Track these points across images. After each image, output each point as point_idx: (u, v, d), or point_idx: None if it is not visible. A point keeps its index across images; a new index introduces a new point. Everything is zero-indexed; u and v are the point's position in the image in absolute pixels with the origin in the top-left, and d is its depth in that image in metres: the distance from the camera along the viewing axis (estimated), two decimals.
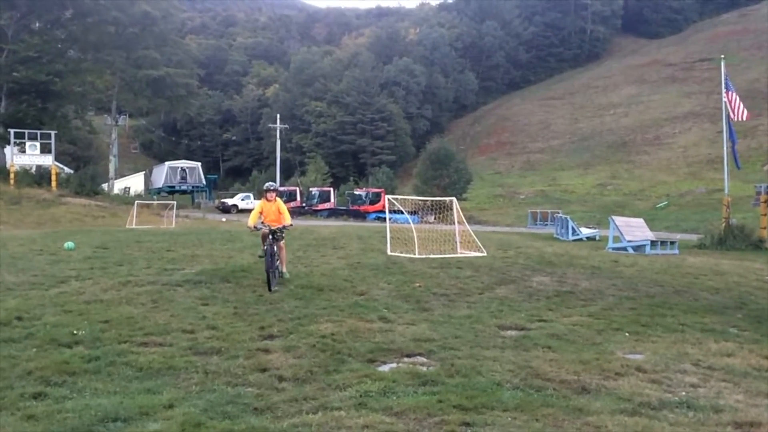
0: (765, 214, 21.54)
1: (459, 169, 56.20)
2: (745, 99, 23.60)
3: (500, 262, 13.89)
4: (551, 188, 62.81)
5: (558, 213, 35.07)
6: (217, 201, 58.46)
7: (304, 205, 52.36)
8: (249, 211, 53.50)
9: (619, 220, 21.56)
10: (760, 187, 22.20)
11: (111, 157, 56.66)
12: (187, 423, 4.39)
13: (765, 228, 21.42)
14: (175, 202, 35.11)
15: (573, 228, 26.87)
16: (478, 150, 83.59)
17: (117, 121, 58.53)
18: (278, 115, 70.00)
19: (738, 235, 21.04)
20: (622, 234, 20.46)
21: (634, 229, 21.17)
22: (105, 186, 49.66)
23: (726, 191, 23.38)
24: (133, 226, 27.84)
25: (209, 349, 6.52)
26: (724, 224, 21.95)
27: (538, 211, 44.13)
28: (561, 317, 8.75)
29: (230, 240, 18.02)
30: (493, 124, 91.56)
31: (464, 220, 18.01)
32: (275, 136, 67.39)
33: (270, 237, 10.22)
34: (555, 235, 27.77)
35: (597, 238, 26.40)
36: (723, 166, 23.80)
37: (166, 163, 62.62)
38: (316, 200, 52.36)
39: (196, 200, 60.26)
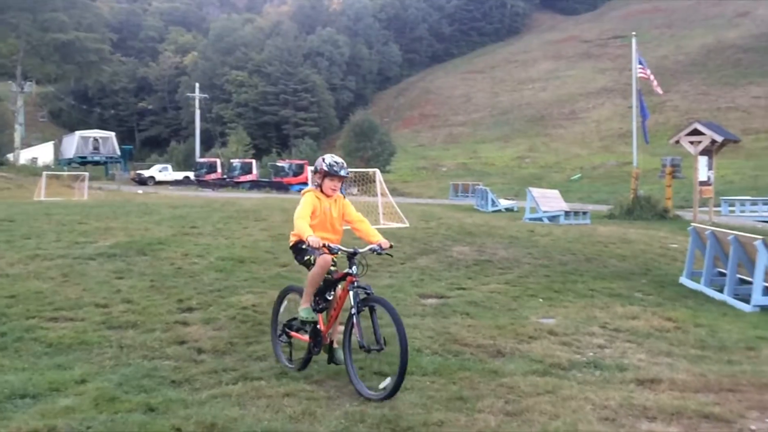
0: (669, 186, 22.72)
1: (383, 141, 56.39)
2: (654, 76, 24.66)
3: (422, 233, 14.08)
4: (472, 161, 64.00)
5: (478, 185, 35.81)
6: (132, 172, 56.32)
7: (225, 177, 51.32)
8: (168, 183, 51.82)
9: (535, 192, 22.24)
10: (666, 159, 23.36)
11: (16, 126, 53.45)
12: (100, 398, 4.28)
13: (669, 199, 22.61)
14: (87, 174, 33.52)
15: (492, 199, 27.51)
16: (401, 122, 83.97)
17: (23, 88, 54.96)
18: (197, 84, 67.82)
19: (645, 206, 22.07)
20: (538, 205, 21.14)
21: (549, 201, 21.91)
22: (10, 156, 46.88)
23: (635, 164, 24.47)
24: (42, 198, 26.48)
25: (124, 323, 6.35)
26: (632, 195, 22.98)
27: (459, 183, 44.89)
28: (479, 285, 8.99)
29: (147, 212, 17.44)
30: (416, 96, 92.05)
31: (387, 192, 18.13)
32: (194, 105, 65.35)
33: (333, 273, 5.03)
34: (475, 207, 28.37)
35: (515, 209, 27.15)
36: (632, 140, 24.86)
37: (77, 132, 59.65)
38: (237, 172, 51.38)
39: (110, 172, 57.84)
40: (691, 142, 20.92)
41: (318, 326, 4.99)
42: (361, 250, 4.87)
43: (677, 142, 21.62)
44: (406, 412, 4.12)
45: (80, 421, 3.91)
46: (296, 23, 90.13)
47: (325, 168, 5.08)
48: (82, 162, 55.03)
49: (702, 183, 21.05)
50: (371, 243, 4.98)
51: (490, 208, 26.67)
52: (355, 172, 22.70)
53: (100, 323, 6.30)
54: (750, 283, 8.47)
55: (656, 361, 5.64)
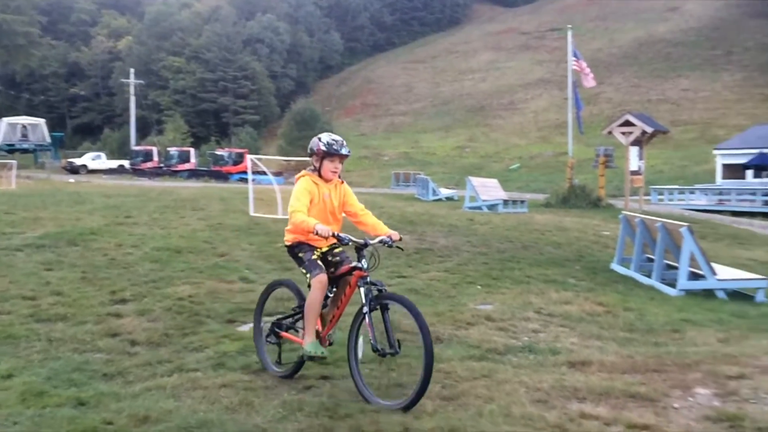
0: (603, 175, 23.45)
1: (324, 130, 55.82)
2: (589, 68, 25.32)
3: None
4: (414, 150, 64.45)
5: (419, 174, 36.09)
6: (63, 161, 54.28)
7: (161, 165, 50.13)
8: (101, 172, 50.13)
9: (475, 181, 22.58)
10: (600, 150, 24.10)
11: None
12: (27, 392, 4.13)
13: (602, 188, 23.34)
14: (15, 162, 32.06)
15: (433, 189, 27.79)
16: (343, 111, 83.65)
17: None
18: (132, 70, 65.77)
19: (580, 195, 22.75)
20: (477, 194, 21.47)
21: (488, 190, 22.30)
22: None
23: (570, 154, 25.14)
24: None
25: (53, 315, 6.13)
26: (568, 184, 23.63)
27: (401, 172, 45.17)
28: (419, 273, 9.09)
29: (78, 202, 16.85)
30: (358, 85, 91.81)
31: None
32: (129, 92, 63.40)
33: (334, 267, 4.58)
34: (416, 196, 28.59)
35: (455, 198, 27.50)
36: (568, 131, 25.52)
37: (5, 119, 56.92)
38: (175, 161, 50.31)
39: (39, 160, 55.57)
40: (623, 133, 21.63)
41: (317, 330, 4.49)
42: (371, 242, 4.36)
43: (610, 132, 22.32)
44: (344, 399, 4.14)
45: (6, 416, 3.77)
46: (235, 9, 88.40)
47: (323, 148, 4.48)
48: (10, 150, 52.63)
49: (633, 172, 21.82)
50: (379, 235, 4.47)
51: (431, 197, 26.93)
52: (297, 161, 22.54)
53: (28, 316, 6.06)
54: (676, 268, 8.84)
55: (587, 344, 5.83)
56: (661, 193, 35.06)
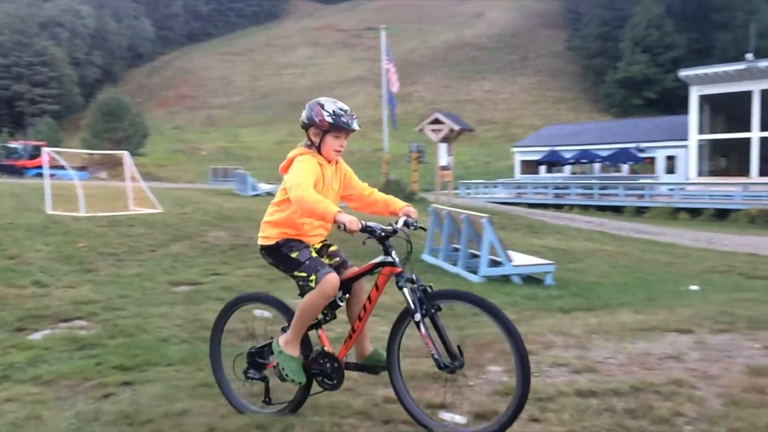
0: (416, 170, 24.62)
1: (135, 122, 53.00)
2: (402, 68, 26.46)
3: (176, 219, 13.55)
4: (233, 145, 63.07)
5: (238, 169, 35.40)
6: None
7: None
8: None
9: None
10: (413, 146, 25.29)
11: None
12: None
13: (416, 182, 24.51)
14: None
15: (252, 184, 27.39)
16: (156, 103, 79.54)
17: None
18: None
19: (395, 189, 23.60)
20: None
21: None
22: None
23: (386, 150, 26.06)
24: None
25: None
26: (384, 179, 24.49)
27: (219, 167, 44.03)
28: (235, 270, 8.93)
29: None
30: (172, 76, 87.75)
31: (138, 176, 17.10)
32: None
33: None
34: (235, 191, 28.00)
35: (275, 193, 27.33)
36: (383, 128, 26.42)
37: None
38: None
39: None
40: (433, 131, 22.85)
41: (325, 349, 3.54)
42: (398, 227, 3.39)
43: (421, 130, 23.46)
44: (146, 405, 3.94)
45: None
46: None
47: (329, 120, 3.40)
48: None
49: (443, 168, 23.13)
50: (395, 213, 3.59)
51: (251, 193, 26.52)
52: (101, 154, 21.11)
53: None
54: (479, 256, 9.54)
55: None
56: (468, 187, 37.66)
